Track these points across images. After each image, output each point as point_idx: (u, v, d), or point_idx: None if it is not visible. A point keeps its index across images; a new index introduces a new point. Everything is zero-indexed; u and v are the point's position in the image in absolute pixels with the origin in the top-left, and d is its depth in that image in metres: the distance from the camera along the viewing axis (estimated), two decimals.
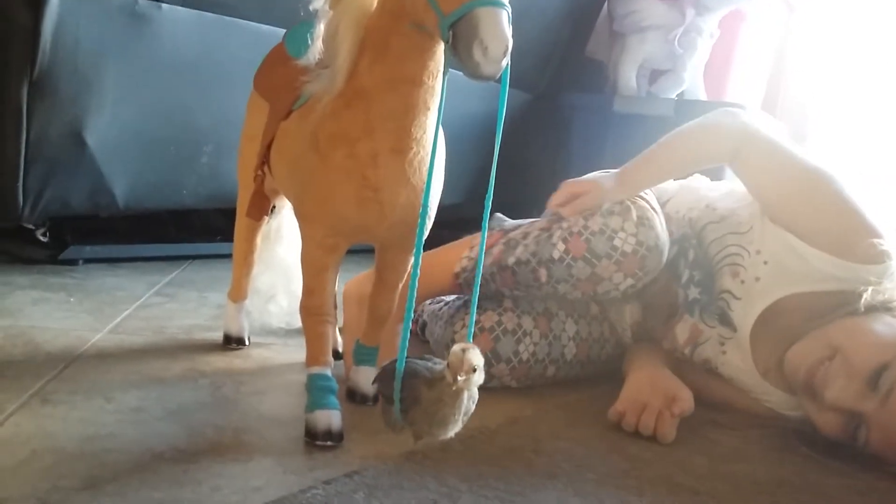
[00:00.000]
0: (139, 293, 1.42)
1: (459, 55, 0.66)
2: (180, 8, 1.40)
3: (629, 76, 2.21)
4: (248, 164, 1.02)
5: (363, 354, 0.99)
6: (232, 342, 1.16)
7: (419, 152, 0.81)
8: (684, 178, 1.30)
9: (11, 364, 0.98)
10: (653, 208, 1.09)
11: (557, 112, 2.27)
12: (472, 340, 0.76)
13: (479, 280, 0.77)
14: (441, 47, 0.75)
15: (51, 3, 1.23)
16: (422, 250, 0.74)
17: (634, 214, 1.05)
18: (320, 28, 0.81)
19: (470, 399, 0.74)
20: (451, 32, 0.67)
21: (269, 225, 1.15)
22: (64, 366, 0.99)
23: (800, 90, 2.74)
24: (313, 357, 0.88)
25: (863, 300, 1.02)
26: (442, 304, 1.25)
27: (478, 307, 1.11)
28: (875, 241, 1.01)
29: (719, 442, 1.03)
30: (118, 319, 1.23)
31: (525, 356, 1.11)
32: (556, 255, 1.05)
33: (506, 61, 0.66)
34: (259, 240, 1.14)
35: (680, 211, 1.21)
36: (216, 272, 1.68)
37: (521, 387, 1.12)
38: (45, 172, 1.37)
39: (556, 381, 1.17)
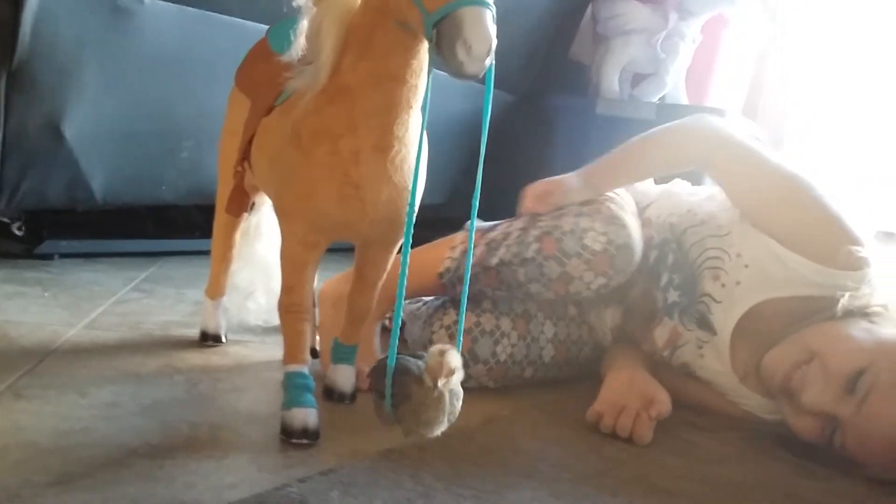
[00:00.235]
0: (116, 288, 1.41)
1: (443, 54, 0.66)
2: (162, 2, 1.39)
3: (612, 79, 2.22)
4: (229, 160, 1.02)
5: (341, 353, 0.98)
6: (209, 339, 1.15)
7: (401, 150, 0.81)
8: (665, 180, 1.31)
9: None
10: (623, 207, 1.09)
11: (540, 113, 2.27)
12: (461, 341, 0.76)
13: (468, 281, 0.77)
14: (425, 45, 0.75)
15: None
16: (409, 250, 0.74)
17: (605, 213, 1.05)
18: (303, 24, 0.80)
19: (454, 397, 0.73)
20: (435, 31, 0.66)
21: (249, 221, 1.14)
22: (38, 361, 0.98)
23: (781, 95, 2.77)
24: (290, 355, 0.87)
25: (840, 305, 1.03)
26: (420, 303, 1.25)
27: (457, 308, 1.11)
28: (854, 248, 1.02)
29: (696, 444, 1.04)
30: (94, 315, 1.22)
31: (503, 357, 1.11)
32: (529, 254, 1.06)
33: (489, 60, 0.66)
34: (238, 236, 1.13)
35: (661, 216, 1.22)
36: (194, 268, 1.67)
37: (499, 387, 1.12)
38: (21, 165, 1.35)
39: (534, 383, 1.17)
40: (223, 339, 1.16)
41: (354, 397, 0.98)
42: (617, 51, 2.21)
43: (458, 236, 1.15)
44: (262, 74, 0.93)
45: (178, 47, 1.44)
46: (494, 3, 0.67)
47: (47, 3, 1.24)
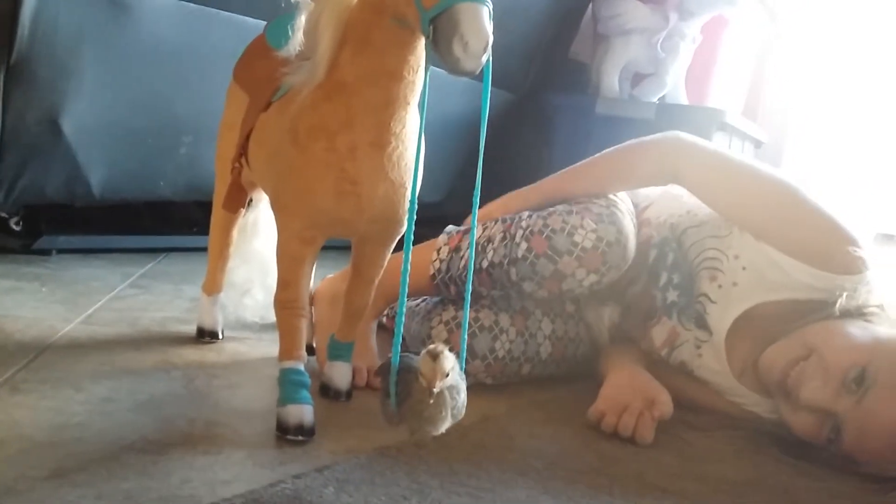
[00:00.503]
0: (113, 284, 1.41)
1: (440, 50, 0.66)
2: None
3: (612, 78, 2.22)
4: (226, 156, 1.02)
5: (338, 350, 0.98)
6: (205, 335, 1.15)
7: (398, 147, 0.81)
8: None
9: None
10: (615, 204, 1.09)
11: (540, 112, 2.27)
12: (465, 344, 0.75)
13: (471, 278, 0.76)
14: (422, 42, 0.75)
15: None
16: (411, 247, 0.74)
17: (594, 211, 1.05)
18: (301, 20, 0.80)
19: (454, 391, 0.73)
20: (431, 27, 0.67)
21: (246, 218, 1.14)
22: (35, 355, 0.98)
23: (781, 96, 2.77)
24: (286, 351, 0.87)
25: (838, 305, 1.03)
26: (419, 300, 1.25)
27: (455, 305, 1.11)
28: (852, 249, 1.02)
29: (691, 442, 1.04)
30: (91, 310, 1.22)
31: (501, 353, 1.11)
32: (519, 254, 1.06)
33: (486, 57, 0.66)
34: (235, 233, 1.13)
35: (661, 216, 1.22)
36: (192, 265, 1.67)
37: (496, 384, 1.12)
38: (20, 160, 1.35)
39: (531, 379, 1.17)
40: (220, 336, 1.16)
41: (350, 394, 0.98)
42: (617, 50, 2.21)
43: (441, 239, 1.15)
44: (260, 70, 0.93)
45: (176, 43, 1.44)
46: (494, 1, 0.67)
47: None
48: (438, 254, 1.13)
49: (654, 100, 2.20)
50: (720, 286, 1.10)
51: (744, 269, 1.09)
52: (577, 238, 1.03)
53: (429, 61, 0.72)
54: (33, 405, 0.83)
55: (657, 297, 1.18)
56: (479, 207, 1.15)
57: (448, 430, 0.81)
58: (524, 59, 2.21)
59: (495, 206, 1.18)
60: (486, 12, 0.66)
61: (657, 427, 1.01)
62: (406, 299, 1.26)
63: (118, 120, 1.43)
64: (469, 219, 0.75)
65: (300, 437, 0.83)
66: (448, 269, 1.11)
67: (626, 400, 1.03)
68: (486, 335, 1.10)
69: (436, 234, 1.17)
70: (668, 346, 1.17)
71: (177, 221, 1.85)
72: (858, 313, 1.04)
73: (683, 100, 2.25)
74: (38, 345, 1.02)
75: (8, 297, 1.23)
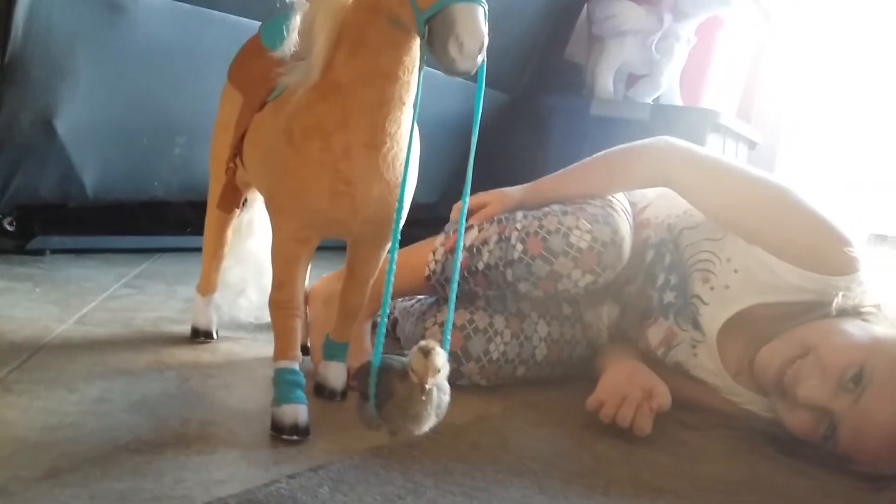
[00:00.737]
0: (107, 284, 1.40)
1: (435, 51, 0.67)
2: None
3: (607, 80, 2.23)
4: (221, 156, 1.01)
5: (333, 349, 0.98)
6: (200, 335, 1.15)
7: (393, 147, 0.81)
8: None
9: None
10: (610, 205, 1.09)
11: (535, 113, 2.27)
12: (447, 339, 0.75)
13: (455, 278, 0.76)
14: (417, 42, 0.75)
15: None
16: (397, 247, 0.73)
17: (589, 211, 1.06)
18: (296, 20, 0.80)
19: (441, 392, 0.73)
20: (427, 28, 0.67)
21: (241, 218, 1.14)
22: (28, 355, 0.98)
23: (775, 97, 2.78)
24: (281, 351, 0.87)
25: (834, 304, 1.03)
26: (414, 301, 1.25)
27: None
28: (845, 249, 1.02)
29: (686, 442, 1.04)
30: (85, 310, 1.22)
31: (495, 355, 1.11)
32: (515, 255, 1.06)
33: (481, 57, 0.67)
34: (230, 233, 1.13)
35: (658, 216, 1.22)
36: (186, 265, 1.66)
37: (491, 385, 1.12)
38: (13, 160, 1.35)
39: (526, 381, 1.17)
40: (214, 336, 1.16)
41: (345, 394, 0.98)
42: (612, 51, 2.21)
43: (438, 239, 1.15)
44: (254, 70, 0.93)
45: (171, 43, 1.44)
46: (489, 3, 0.68)
47: None
48: (434, 254, 1.13)
49: (649, 101, 2.21)
50: (712, 288, 1.11)
51: (735, 272, 1.10)
52: (573, 239, 1.04)
53: (423, 62, 0.72)
54: (26, 406, 0.83)
55: (654, 297, 1.18)
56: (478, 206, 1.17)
57: (442, 431, 0.81)
58: (519, 60, 2.21)
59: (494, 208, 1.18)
60: (481, 13, 0.66)
61: (652, 426, 1.01)
62: (401, 299, 1.28)
63: (112, 120, 1.43)
64: (465, 218, 0.75)
65: (295, 437, 0.83)
66: (444, 270, 1.11)
67: (625, 391, 1.02)
68: (481, 337, 1.10)
69: (431, 235, 1.17)
70: (665, 346, 1.17)
71: (171, 222, 1.85)
72: (855, 312, 1.04)
73: (678, 101, 2.25)
74: (32, 345, 1.02)
75: (1, 297, 1.22)
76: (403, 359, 0.73)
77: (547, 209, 1.09)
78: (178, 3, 1.41)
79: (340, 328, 0.97)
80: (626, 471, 0.90)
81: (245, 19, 1.48)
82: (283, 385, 0.85)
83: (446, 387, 0.74)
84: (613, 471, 0.89)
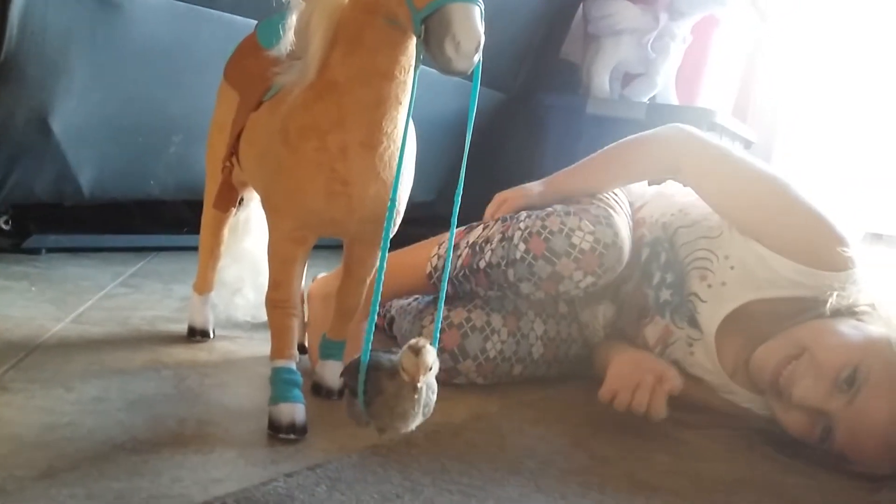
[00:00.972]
0: (103, 283, 1.40)
1: (431, 50, 0.66)
2: None
3: (602, 79, 2.23)
4: (217, 155, 1.01)
5: (330, 349, 0.98)
6: (196, 334, 1.15)
7: (390, 147, 0.81)
8: (658, 182, 1.31)
9: None
10: (612, 206, 1.10)
11: (531, 112, 2.28)
12: (437, 337, 0.75)
13: (446, 277, 0.77)
14: (413, 42, 0.75)
15: None
16: (388, 245, 0.73)
17: (592, 212, 1.06)
18: (293, 19, 0.80)
19: (429, 390, 0.73)
20: (423, 27, 0.67)
21: (237, 217, 1.14)
22: (24, 354, 0.98)
23: (771, 96, 2.78)
24: (278, 350, 0.87)
25: (829, 304, 1.03)
26: (411, 299, 1.25)
27: (448, 304, 1.11)
28: (840, 248, 1.02)
29: (683, 441, 1.04)
30: (81, 309, 1.22)
31: (492, 354, 1.11)
32: (517, 255, 1.06)
33: (478, 57, 0.67)
34: (226, 232, 1.13)
35: (654, 215, 1.23)
36: (182, 264, 1.66)
37: (488, 384, 1.12)
38: (9, 159, 1.34)
39: (523, 380, 1.17)
40: (211, 335, 1.16)
41: (342, 393, 0.98)
42: (608, 51, 2.21)
43: (446, 235, 1.15)
44: (251, 69, 0.93)
45: (167, 41, 1.43)
46: (485, 2, 0.68)
47: None
48: (439, 250, 1.13)
49: (645, 100, 2.21)
50: (710, 286, 1.11)
51: (732, 268, 1.10)
52: (575, 240, 1.04)
53: (420, 61, 0.72)
54: (23, 405, 0.83)
55: (650, 295, 1.18)
56: (478, 207, 1.17)
57: (439, 429, 0.81)
58: (515, 60, 2.21)
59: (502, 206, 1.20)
60: (477, 12, 0.66)
61: (648, 426, 1.02)
62: (398, 298, 1.28)
63: (108, 119, 1.42)
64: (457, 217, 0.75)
65: (292, 436, 0.83)
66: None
67: (637, 378, 1.02)
68: (478, 335, 1.10)
69: (429, 234, 1.18)
70: (662, 345, 1.17)
71: (167, 221, 1.85)
72: (850, 312, 1.05)
73: (673, 100, 2.26)
74: (28, 344, 1.02)
75: None
76: (393, 357, 0.73)
77: (550, 209, 1.09)
78: (173, 1, 1.41)
79: (337, 327, 0.97)
80: (622, 469, 0.90)
81: (241, 18, 1.48)
82: (280, 384, 0.85)
83: (435, 385, 0.73)
84: (610, 469, 0.90)
